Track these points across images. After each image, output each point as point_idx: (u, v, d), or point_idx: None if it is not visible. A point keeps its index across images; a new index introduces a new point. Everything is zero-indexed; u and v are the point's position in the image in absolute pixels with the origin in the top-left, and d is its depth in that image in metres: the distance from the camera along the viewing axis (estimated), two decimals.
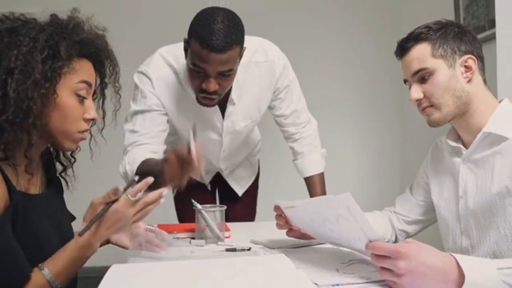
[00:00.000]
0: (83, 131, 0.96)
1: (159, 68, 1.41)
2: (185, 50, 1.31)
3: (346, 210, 0.87)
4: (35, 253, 0.88)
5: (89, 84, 0.95)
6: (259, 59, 1.47)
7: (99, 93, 1.04)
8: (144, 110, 1.40)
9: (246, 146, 1.79)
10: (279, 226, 1.18)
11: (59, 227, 1.01)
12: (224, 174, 1.79)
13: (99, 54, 0.98)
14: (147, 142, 1.37)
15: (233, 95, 1.45)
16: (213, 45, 1.19)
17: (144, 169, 1.19)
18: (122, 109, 1.10)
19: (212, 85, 1.26)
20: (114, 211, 0.93)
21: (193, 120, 1.46)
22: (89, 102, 0.96)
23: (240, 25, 1.27)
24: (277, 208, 1.15)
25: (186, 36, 1.30)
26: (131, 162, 1.28)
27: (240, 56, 1.33)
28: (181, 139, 1.72)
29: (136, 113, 1.40)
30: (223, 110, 1.49)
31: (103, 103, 1.05)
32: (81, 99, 0.93)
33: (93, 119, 0.97)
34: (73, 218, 1.10)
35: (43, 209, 0.95)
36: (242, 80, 1.45)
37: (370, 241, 0.86)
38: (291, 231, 1.17)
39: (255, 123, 1.61)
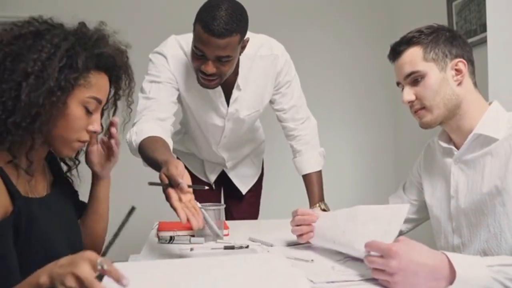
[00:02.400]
0: (83, 141, 0.97)
1: (173, 48, 1.50)
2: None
3: (390, 218, 0.93)
4: (42, 254, 0.87)
5: (99, 101, 0.95)
6: (263, 53, 1.55)
7: (112, 104, 1.06)
8: (159, 81, 1.47)
9: (249, 142, 1.83)
10: (299, 230, 1.18)
11: (67, 227, 1.01)
12: (228, 169, 1.82)
13: (116, 69, 0.99)
14: (158, 109, 1.43)
15: (239, 81, 1.52)
16: (213, 30, 1.25)
17: (147, 155, 1.23)
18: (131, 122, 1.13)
19: (210, 68, 1.33)
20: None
21: (199, 100, 1.54)
22: (96, 116, 0.97)
23: (244, 15, 1.33)
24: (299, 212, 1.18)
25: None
26: (138, 132, 1.33)
27: (243, 46, 1.40)
28: (187, 136, 1.78)
29: (151, 82, 1.47)
30: (228, 96, 1.55)
31: (114, 113, 1.07)
32: (89, 111, 0.94)
33: (95, 132, 0.98)
34: None
35: (50, 210, 0.95)
36: (247, 70, 1.53)
37: None
38: (301, 236, 1.18)
39: (257, 113, 1.66)
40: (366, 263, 0.87)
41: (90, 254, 0.70)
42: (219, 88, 1.51)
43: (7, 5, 2.68)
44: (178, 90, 1.51)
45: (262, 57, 1.54)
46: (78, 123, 0.93)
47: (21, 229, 0.85)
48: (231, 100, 1.56)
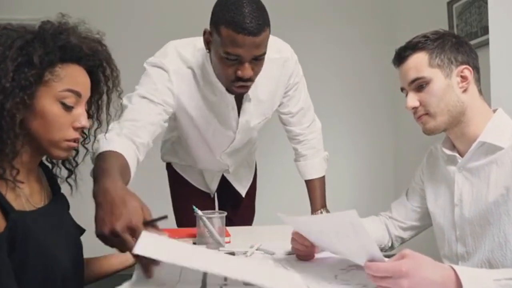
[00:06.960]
0: (72, 140, 0.90)
1: (174, 61, 1.36)
2: (207, 42, 1.27)
3: (349, 226, 0.86)
4: (41, 267, 0.84)
5: (76, 93, 0.88)
6: (272, 56, 1.41)
7: (105, 96, 0.99)
8: (153, 101, 1.30)
9: (249, 143, 1.75)
10: (297, 251, 1.11)
11: (67, 239, 0.96)
12: (230, 173, 1.74)
13: (89, 58, 0.92)
14: (143, 127, 1.26)
15: (249, 91, 1.40)
16: (248, 29, 1.15)
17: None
18: None
19: (248, 71, 1.22)
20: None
21: (209, 117, 1.44)
22: (78, 110, 0.90)
23: (264, 6, 1.22)
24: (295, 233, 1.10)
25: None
26: (104, 144, 1.12)
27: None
28: (178, 146, 1.71)
29: (143, 97, 1.30)
30: (239, 107, 1.46)
31: (108, 107, 1.00)
32: (68, 107, 0.88)
33: (83, 128, 0.91)
34: (82, 230, 1.05)
35: (47, 222, 0.90)
36: (257, 76, 1.40)
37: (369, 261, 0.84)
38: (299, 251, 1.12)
39: (267, 120, 1.57)
40: (373, 282, 0.84)
41: None
42: (233, 100, 1.41)
43: (5, 7, 2.65)
44: (168, 114, 1.36)
45: (272, 61, 1.39)
46: (58, 121, 0.87)
47: (17, 244, 0.81)
48: (241, 112, 1.45)
